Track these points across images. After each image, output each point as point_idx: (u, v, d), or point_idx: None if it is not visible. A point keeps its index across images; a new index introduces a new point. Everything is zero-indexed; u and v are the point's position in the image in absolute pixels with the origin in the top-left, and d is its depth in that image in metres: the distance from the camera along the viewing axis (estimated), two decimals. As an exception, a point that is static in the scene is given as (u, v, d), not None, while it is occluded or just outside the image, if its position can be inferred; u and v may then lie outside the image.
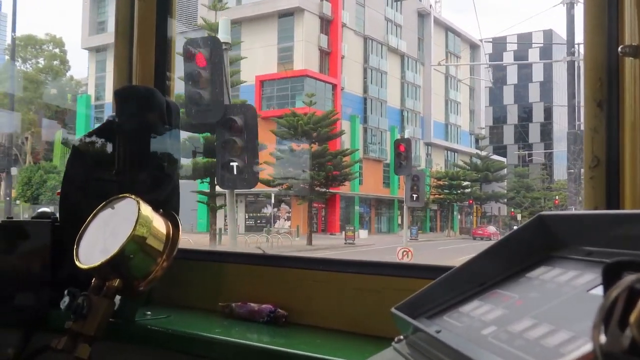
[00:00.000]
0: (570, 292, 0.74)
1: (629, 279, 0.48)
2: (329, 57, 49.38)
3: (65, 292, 1.55)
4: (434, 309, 0.90)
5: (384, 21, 55.31)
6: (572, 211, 1.04)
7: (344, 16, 49.99)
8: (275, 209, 41.71)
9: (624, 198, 1.16)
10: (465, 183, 53.25)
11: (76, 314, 1.49)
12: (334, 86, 48.68)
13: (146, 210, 1.60)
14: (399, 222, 51.17)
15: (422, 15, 60.82)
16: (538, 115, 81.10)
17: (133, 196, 1.63)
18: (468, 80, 68.59)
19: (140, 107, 1.94)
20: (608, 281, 0.51)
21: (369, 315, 1.51)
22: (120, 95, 1.99)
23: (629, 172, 1.15)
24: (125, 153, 1.94)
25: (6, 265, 2.02)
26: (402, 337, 0.89)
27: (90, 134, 2.05)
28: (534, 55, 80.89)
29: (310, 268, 1.71)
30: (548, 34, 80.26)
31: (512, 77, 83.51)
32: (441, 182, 52.81)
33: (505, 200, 59.81)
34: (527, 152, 75.85)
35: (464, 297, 0.89)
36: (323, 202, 43.18)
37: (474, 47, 68.10)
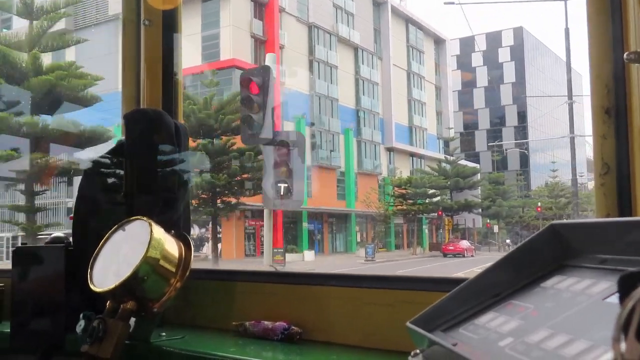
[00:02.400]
0: (586, 301, 0.74)
1: (643, 287, 0.48)
2: (264, 46, 41.29)
3: (81, 315, 1.55)
4: (449, 322, 0.90)
5: (333, 8, 47.66)
6: (585, 219, 1.04)
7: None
8: (204, 229, 33.17)
9: (635, 204, 1.16)
10: (432, 191, 47.18)
11: (92, 337, 1.49)
12: None
13: (158, 232, 1.61)
14: (358, 239, 46.08)
15: (378, 4, 53.27)
16: (511, 118, 75.96)
17: (145, 218, 1.64)
18: (433, 78, 61.32)
19: (150, 130, 1.95)
20: (624, 292, 0.51)
21: (383, 329, 1.50)
22: (129, 118, 2.00)
23: (639, 178, 1.15)
24: (136, 175, 1.95)
25: (22, 291, 2.03)
26: (418, 351, 0.88)
27: (101, 158, 2.06)
28: (504, 54, 75.94)
29: (324, 284, 1.71)
30: (518, 32, 75.29)
31: (482, 79, 77.46)
32: (404, 191, 45.74)
33: (480, 210, 53.13)
34: (499, 142, 69.66)
35: (479, 309, 0.89)
36: (253, 217, 36.80)
37: (439, 42, 62.19)
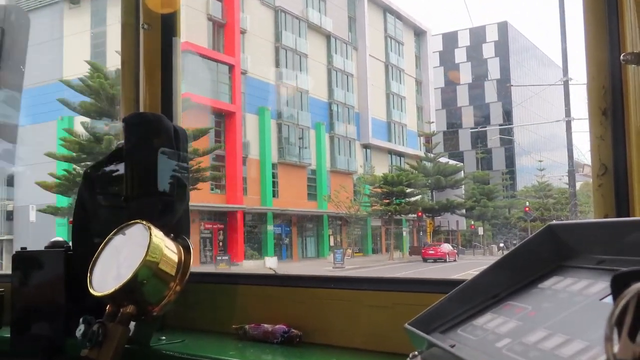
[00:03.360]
0: (583, 301, 0.74)
1: (635, 287, 0.48)
2: (223, 30, 37.61)
3: (81, 320, 1.56)
4: (447, 324, 0.90)
5: (302, -8, 43.34)
6: (582, 220, 1.04)
7: (243, -21, 38.62)
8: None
9: (633, 205, 1.16)
10: (411, 190, 42.89)
11: (92, 341, 1.49)
12: (231, 67, 36.93)
13: (157, 235, 1.61)
14: (332, 243, 41.82)
15: (353, -11, 48.87)
16: (496, 116, 71.91)
17: (144, 222, 1.64)
18: (414, 72, 56.80)
19: (149, 134, 1.96)
20: (617, 291, 0.52)
21: (383, 331, 1.50)
22: (128, 122, 2.01)
23: (637, 179, 1.15)
24: (135, 179, 1.95)
25: (22, 295, 2.03)
26: (417, 352, 0.89)
27: (100, 162, 2.07)
28: (488, 50, 72.47)
29: (323, 287, 1.71)
30: (503, 27, 71.76)
31: (465, 75, 74.01)
32: (380, 190, 41.68)
33: (464, 211, 49.79)
34: (482, 128, 66.36)
35: (477, 310, 0.89)
36: (210, 219, 34.32)
37: (419, 33, 58.12)
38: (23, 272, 2.05)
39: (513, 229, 50.63)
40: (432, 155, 48.13)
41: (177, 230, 1.81)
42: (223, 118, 36.36)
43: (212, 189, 34.66)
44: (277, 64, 41.56)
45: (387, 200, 41.52)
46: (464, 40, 74.63)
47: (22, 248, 2.11)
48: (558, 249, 0.89)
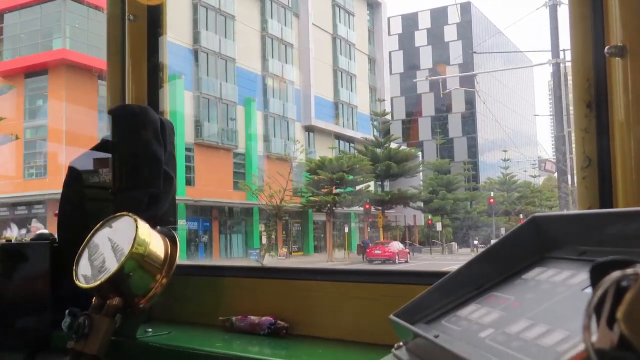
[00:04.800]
0: (565, 291, 0.75)
1: (612, 276, 0.49)
2: None
3: (67, 312, 1.55)
4: (432, 314, 0.91)
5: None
6: (565, 212, 1.05)
7: None
8: (24, 230, 22.98)
9: (617, 197, 1.17)
10: (355, 177, 36.09)
11: (78, 333, 1.49)
12: None
13: (144, 227, 1.61)
14: (264, 240, 34.79)
15: (292, -53, 41.36)
16: (458, 104, 64.93)
17: (130, 214, 1.64)
18: (366, 48, 49.03)
19: (135, 126, 1.95)
20: (596, 281, 0.52)
21: (368, 323, 1.51)
22: (114, 114, 2.00)
23: (620, 171, 1.17)
24: (121, 171, 1.94)
25: (7, 288, 2.02)
26: (401, 343, 0.89)
27: (85, 154, 2.06)
28: (450, 32, 65.89)
29: (310, 279, 1.72)
30: (466, 8, 65.03)
31: (426, 60, 65.88)
32: (317, 177, 34.95)
33: (422, 204, 43.59)
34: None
35: (462, 301, 0.90)
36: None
37: (373, 5, 50.63)
38: (8, 265, 2.04)
39: (477, 227, 45.83)
40: (381, 138, 41.01)
41: (164, 223, 1.80)
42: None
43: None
44: (195, 25, 33.97)
45: (326, 190, 34.96)
46: (424, 22, 68.22)
47: (7, 240, 2.10)
48: (541, 241, 0.90)
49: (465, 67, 60.56)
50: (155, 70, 2.17)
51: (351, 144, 43.85)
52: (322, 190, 34.86)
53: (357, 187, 36.76)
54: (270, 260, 28.75)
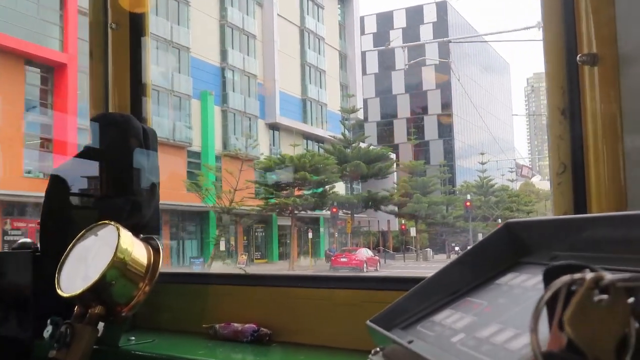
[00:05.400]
0: (535, 296, 0.76)
1: (562, 280, 0.50)
2: None
3: (49, 321, 1.55)
4: (408, 320, 0.92)
5: None
6: (538, 217, 1.07)
7: None
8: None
9: (590, 203, 1.19)
10: (319, 177, 32.68)
11: (60, 342, 1.49)
12: (63, 1, 25.58)
13: (126, 236, 1.61)
14: (222, 247, 31.56)
15: None
16: (434, 105, 63.18)
17: (112, 222, 1.64)
18: (337, 43, 46.25)
19: (117, 134, 1.95)
20: (548, 284, 0.54)
21: (349, 329, 1.52)
22: (97, 122, 2.00)
23: (594, 177, 1.19)
24: (104, 180, 1.94)
25: None
26: (378, 349, 0.90)
27: (67, 162, 2.05)
28: (426, 32, 63.14)
29: (292, 286, 1.73)
30: (442, 7, 62.89)
31: (400, 60, 61.38)
32: (277, 177, 32.68)
33: (397, 209, 41.05)
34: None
35: (437, 307, 0.92)
36: (21, 214, 23.34)
37: None
38: None
39: (455, 232, 44.11)
40: (350, 137, 38.45)
41: (147, 231, 1.80)
42: (51, 72, 25.65)
43: (28, 172, 24.11)
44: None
45: (286, 191, 32.12)
46: (399, 21, 65.45)
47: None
48: (515, 246, 0.91)
49: (442, 67, 59.37)
50: (139, 79, 2.17)
51: (320, 144, 41.19)
52: (282, 192, 32.32)
53: (322, 189, 34.09)
54: (222, 269, 26.49)
